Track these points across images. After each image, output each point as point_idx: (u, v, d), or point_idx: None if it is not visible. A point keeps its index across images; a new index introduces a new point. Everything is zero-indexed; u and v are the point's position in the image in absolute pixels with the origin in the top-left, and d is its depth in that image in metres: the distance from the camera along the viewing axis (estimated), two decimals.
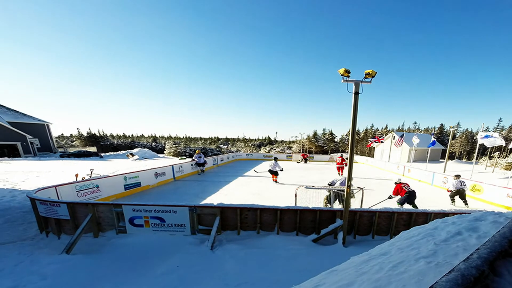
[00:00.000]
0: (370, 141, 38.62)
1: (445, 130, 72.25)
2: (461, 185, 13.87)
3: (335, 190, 11.56)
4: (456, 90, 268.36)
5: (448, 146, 30.73)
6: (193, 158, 25.45)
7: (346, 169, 15.09)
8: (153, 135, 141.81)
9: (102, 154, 46.08)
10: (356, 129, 7.55)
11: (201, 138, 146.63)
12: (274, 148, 74.57)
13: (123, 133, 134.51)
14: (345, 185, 8.71)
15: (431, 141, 29.91)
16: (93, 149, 66.69)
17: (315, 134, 76.24)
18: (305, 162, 40.44)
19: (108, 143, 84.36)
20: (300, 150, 57.61)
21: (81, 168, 24.26)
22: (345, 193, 8.30)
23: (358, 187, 11.51)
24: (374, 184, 20.81)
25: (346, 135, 75.34)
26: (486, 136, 22.64)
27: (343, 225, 8.47)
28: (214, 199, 14.35)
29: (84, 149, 57.11)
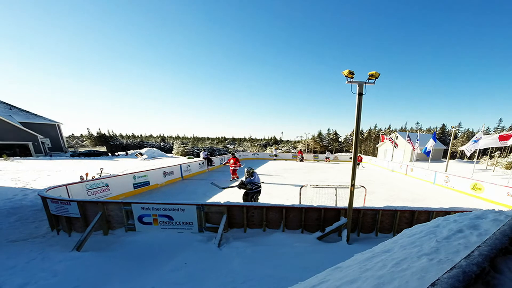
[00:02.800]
0: (385, 137, 38.95)
1: (447, 130, 71.95)
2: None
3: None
4: (458, 91, 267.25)
5: (450, 145, 30.56)
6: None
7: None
8: (162, 135, 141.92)
9: (109, 153, 46.25)
10: (360, 129, 7.55)
11: (208, 138, 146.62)
12: (279, 148, 74.51)
13: (132, 133, 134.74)
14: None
15: (427, 148, 29.93)
16: (103, 148, 66.72)
17: (319, 134, 76.21)
18: (301, 160, 40.89)
19: (118, 142, 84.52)
20: (305, 150, 57.54)
21: (91, 167, 24.35)
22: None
23: (361, 186, 11.51)
24: (377, 183, 20.72)
25: (350, 135, 75.22)
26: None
27: (347, 223, 8.47)
28: (221, 198, 14.38)
29: (94, 149, 57.23)
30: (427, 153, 29.97)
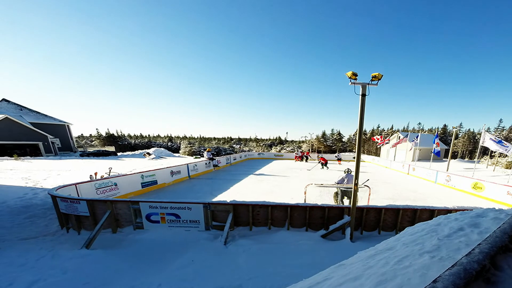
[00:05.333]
0: (377, 138, 38.53)
1: (448, 131, 71.74)
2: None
3: (342, 188, 11.57)
4: (459, 92, 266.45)
5: (451, 145, 30.55)
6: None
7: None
8: (169, 135, 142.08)
9: (118, 153, 46.45)
10: (363, 130, 7.53)
11: (215, 138, 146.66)
12: (284, 148, 74.30)
13: (140, 133, 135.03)
14: (352, 182, 8.80)
15: (434, 150, 29.42)
16: (112, 148, 66.93)
17: (323, 134, 75.89)
18: (306, 159, 40.32)
19: (126, 142, 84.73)
20: (309, 150, 57.36)
21: (100, 167, 24.43)
22: (352, 190, 8.30)
23: (364, 185, 11.50)
24: (380, 182, 20.68)
25: (353, 135, 74.94)
26: (500, 142, 22.07)
27: (351, 221, 8.48)
28: (227, 196, 14.42)
29: (103, 149, 57.45)
30: (437, 153, 29.39)
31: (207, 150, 25.97)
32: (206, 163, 24.98)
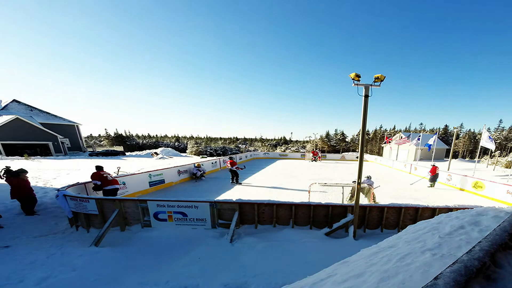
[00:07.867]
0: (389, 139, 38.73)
1: (449, 131, 71.39)
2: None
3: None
4: (460, 93, 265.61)
5: (452, 145, 30.39)
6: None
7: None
8: (176, 135, 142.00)
9: (126, 153, 46.54)
10: (366, 130, 7.54)
11: (221, 138, 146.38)
12: (289, 148, 74.29)
13: (148, 133, 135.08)
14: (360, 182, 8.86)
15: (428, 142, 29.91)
16: (120, 148, 67.16)
17: (327, 134, 75.84)
18: (315, 160, 40.07)
19: (134, 142, 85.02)
20: (313, 150, 57.35)
21: (109, 166, 24.48)
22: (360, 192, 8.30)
23: (367, 184, 11.49)
24: (382, 181, 20.61)
25: (356, 135, 74.77)
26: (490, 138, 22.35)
27: (354, 220, 8.47)
28: (233, 195, 14.43)
29: (112, 149, 57.57)
30: (429, 146, 30.10)
31: (196, 165, 22.96)
32: (212, 163, 24.98)
